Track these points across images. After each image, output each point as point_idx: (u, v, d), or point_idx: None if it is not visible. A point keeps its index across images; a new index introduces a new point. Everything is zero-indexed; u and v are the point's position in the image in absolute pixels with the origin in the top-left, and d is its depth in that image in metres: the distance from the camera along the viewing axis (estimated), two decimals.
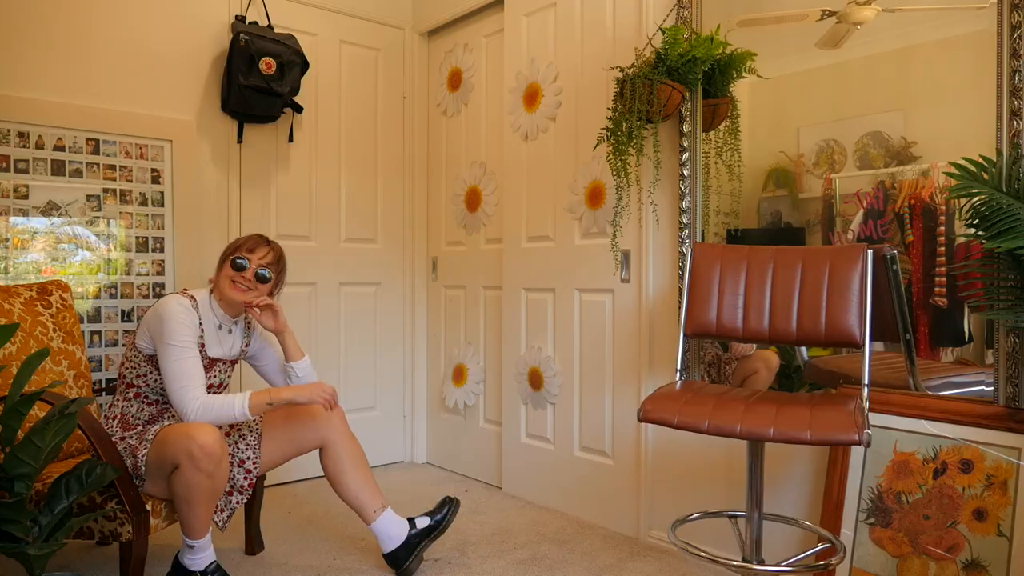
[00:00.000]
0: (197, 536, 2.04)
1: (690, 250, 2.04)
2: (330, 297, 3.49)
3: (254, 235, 2.21)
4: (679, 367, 2.04)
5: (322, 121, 3.45)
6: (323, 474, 3.46)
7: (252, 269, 2.14)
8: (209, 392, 2.16)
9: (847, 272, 1.79)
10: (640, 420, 1.72)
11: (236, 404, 2.00)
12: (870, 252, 1.78)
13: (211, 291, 2.21)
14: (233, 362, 2.28)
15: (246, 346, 2.33)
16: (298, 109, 3.27)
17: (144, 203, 2.93)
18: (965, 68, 1.86)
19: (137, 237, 2.91)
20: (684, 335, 2.00)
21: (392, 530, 2.27)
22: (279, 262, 2.22)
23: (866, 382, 1.71)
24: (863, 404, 1.66)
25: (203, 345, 2.14)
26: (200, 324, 2.12)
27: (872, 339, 1.76)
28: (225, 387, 2.27)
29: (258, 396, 2.04)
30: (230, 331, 2.24)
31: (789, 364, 2.28)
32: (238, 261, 2.13)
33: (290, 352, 2.32)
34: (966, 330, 1.89)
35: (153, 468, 2.01)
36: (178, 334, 2.02)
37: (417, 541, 2.28)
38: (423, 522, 2.32)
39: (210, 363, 2.17)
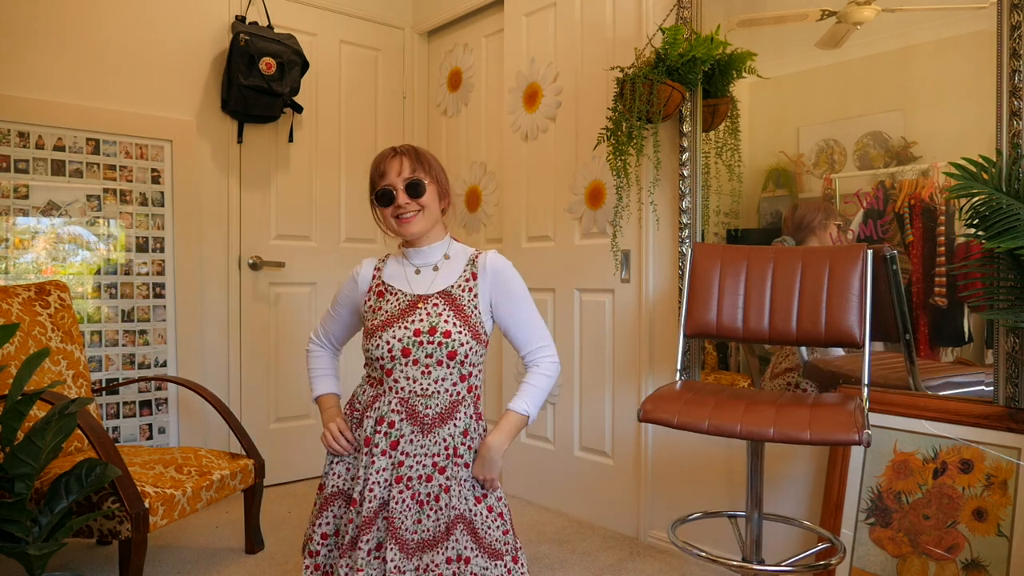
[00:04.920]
0: None
1: (690, 250, 2.04)
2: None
3: (377, 157, 1.75)
4: (679, 367, 2.04)
5: (322, 121, 3.45)
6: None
7: (400, 190, 1.68)
8: (422, 335, 1.62)
9: (847, 272, 1.79)
10: (640, 420, 1.72)
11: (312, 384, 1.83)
12: (870, 252, 1.78)
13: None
14: (449, 297, 1.68)
15: (468, 281, 1.71)
16: (298, 109, 3.27)
17: (144, 203, 2.93)
18: (965, 68, 1.86)
19: (137, 237, 2.91)
20: (684, 335, 2.00)
21: None
22: (422, 159, 1.72)
23: (866, 382, 1.71)
24: (863, 404, 1.66)
25: (382, 292, 1.73)
26: (378, 276, 1.77)
27: (872, 339, 1.76)
28: (443, 334, 1.62)
29: (327, 402, 1.79)
30: (435, 268, 1.74)
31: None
32: (380, 193, 1.70)
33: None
34: (966, 330, 1.89)
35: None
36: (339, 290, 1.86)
37: None
38: None
39: (410, 305, 1.67)
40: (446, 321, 1.63)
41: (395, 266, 1.78)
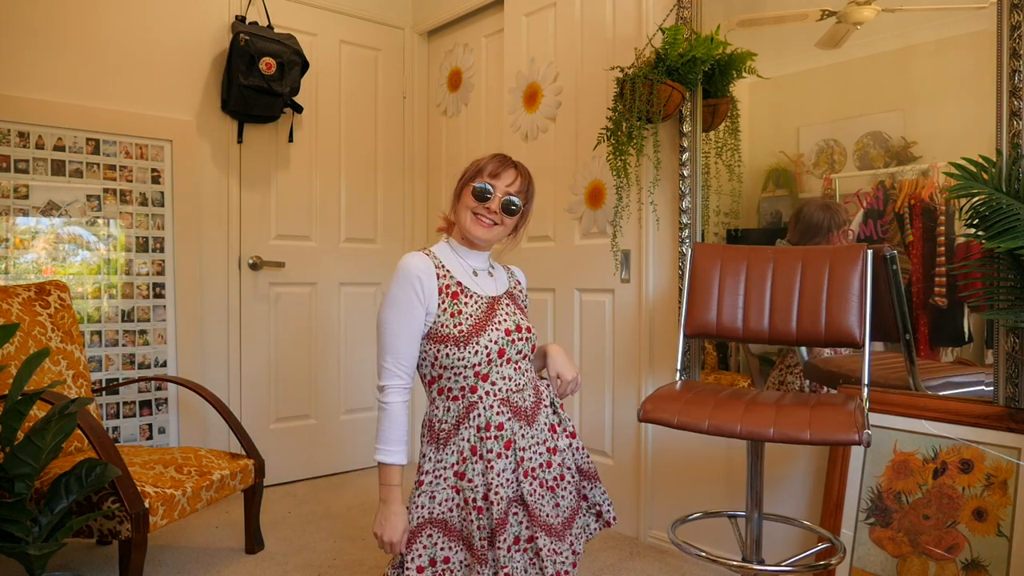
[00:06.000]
0: None
1: (690, 250, 2.04)
2: (330, 297, 3.49)
3: (497, 156, 1.72)
4: (679, 367, 2.04)
5: (322, 121, 3.45)
6: (323, 475, 3.48)
7: (498, 198, 1.65)
8: (510, 335, 1.63)
9: (847, 272, 1.79)
10: (640, 420, 1.72)
11: (384, 443, 1.60)
12: (870, 252, 1.78)
13: (448, 234, 1.76)
14: (512, 296, 1.74)
15: (517, 285, 1.82)
16: (298, 109, 3.27)
17: (144, 203, 2.93)
18: (965, 68, 1.86)
19: (137, 237, 2.91)
20: (684, 335, 2.00)
21: None
22: (529, 188, 1.74)
23: (866, 382, 1.71)
24: (863, 404, 1.66)
25: (456, 294, 1.64)
26: (447, 275, 1.65)
27: (872, 339, 1.76)
28: (526, 329, 1.67)
29: (389, 476, 1.58)
30: (490, 274, 1.75)
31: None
32: (480, 187, 1.64)
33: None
34: (966, 330, 1.89)
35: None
36: (393, 300, 1.62)
37: None
38: None
39: (489, 306, 1.66)
40: (523, 318, 1.69)
41: (454, 263, 1.69)
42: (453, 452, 1.58)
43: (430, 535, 1.57)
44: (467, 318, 1.61)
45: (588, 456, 1.75)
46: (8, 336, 1.76)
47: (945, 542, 1.80)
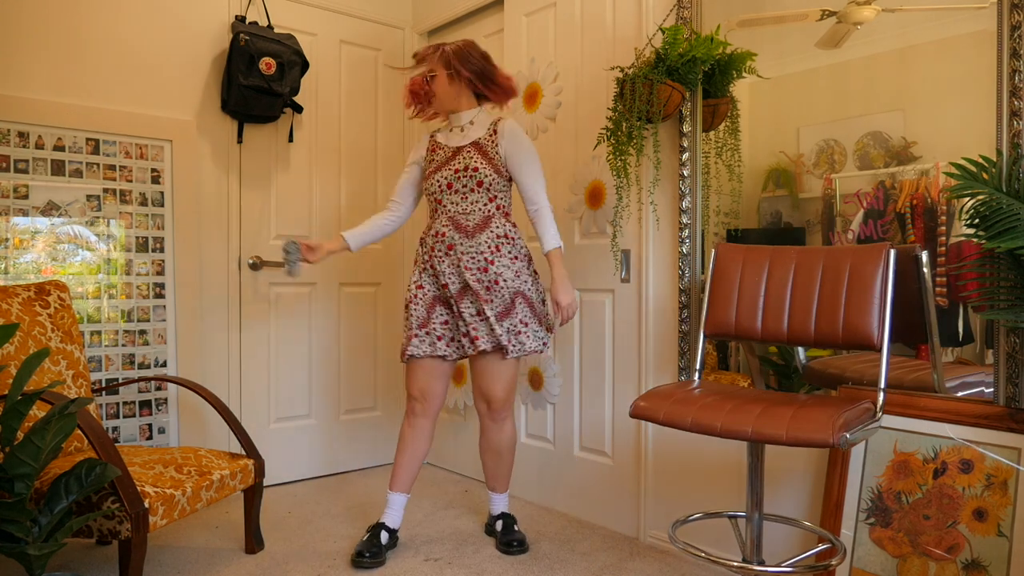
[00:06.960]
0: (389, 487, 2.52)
1: (714, 250, 2.03)
2: (330, 297, 3.49)
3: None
4: (698, 366, 2.03)
5: (322, 121, 3.45)
6: (323, 475, 3.48)
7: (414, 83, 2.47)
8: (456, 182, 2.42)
9: (868, 272, 1.75)
10: (630, 415, 1.73)
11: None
12: (892, 252, 1.75)
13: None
14: (478, 145, 2.42)
15: (492, 136, 2.43)
16: (298, 109, 3.27)
17: (144, 203, 2.93)
18: (965, 68, 1.86)
19: (137, 237, 2.91)
20: (704, 335, 1.99)
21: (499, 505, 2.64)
22: (428, 55, 2.45)
23: (883, 386, 1.68)
24: (864, 406, 1.66)
25: (435, 148, 2.50)
26: (433, 138, 2.54)
27: (892, 341, 1.72)
28: (472, 169, 2.39)
29: None
30: (462, 129, 2.48)
31: (788, 364, 2.28)
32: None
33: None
34: (962, 330, 1.89)
35: None
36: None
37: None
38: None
39: (452, 154, 2.44)
40: (479, 161, 2.39)
41: (444, 133, 2.54)
42: (427, 249, 2.44)
43: (432, 306, 2.43)
44: (433, 162, 2.48)
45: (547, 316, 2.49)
46: (8, 336, 1.76)
47: (945, 542, 1.80)
